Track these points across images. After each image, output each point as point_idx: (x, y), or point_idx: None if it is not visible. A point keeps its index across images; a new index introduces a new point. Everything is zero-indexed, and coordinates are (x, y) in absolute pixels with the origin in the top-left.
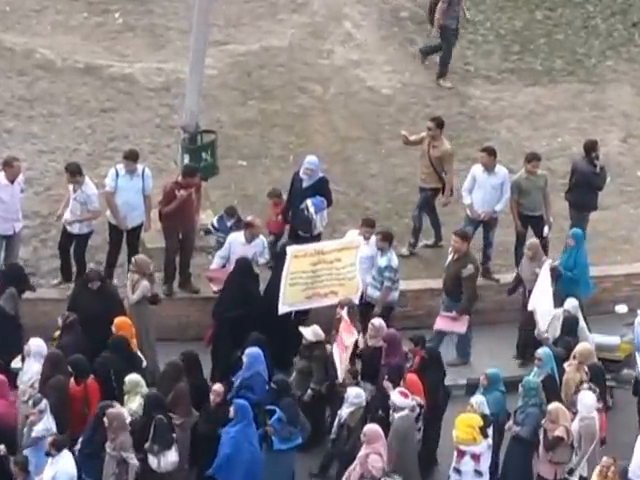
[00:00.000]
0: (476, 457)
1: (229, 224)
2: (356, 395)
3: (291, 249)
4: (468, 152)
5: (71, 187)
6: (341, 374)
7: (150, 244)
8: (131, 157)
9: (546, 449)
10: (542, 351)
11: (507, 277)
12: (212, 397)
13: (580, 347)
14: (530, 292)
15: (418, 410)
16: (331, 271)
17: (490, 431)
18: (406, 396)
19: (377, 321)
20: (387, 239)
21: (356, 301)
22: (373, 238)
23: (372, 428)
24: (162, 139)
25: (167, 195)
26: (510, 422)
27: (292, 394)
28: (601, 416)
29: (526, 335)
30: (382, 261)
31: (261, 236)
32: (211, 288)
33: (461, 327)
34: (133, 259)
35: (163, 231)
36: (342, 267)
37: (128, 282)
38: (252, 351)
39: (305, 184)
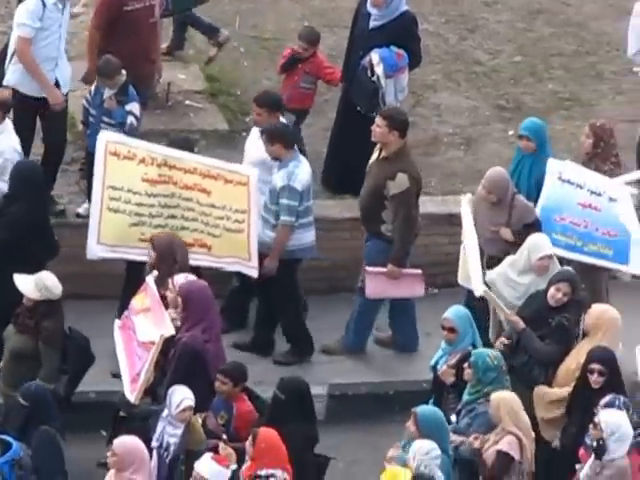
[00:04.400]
0: None
1: (108, 94)
2: None
3: (106, 136)
4: None
5: None
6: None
7: None
8: None
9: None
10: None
11: None
12: None
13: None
14: None
15: None
16: (190, 208)
17: None
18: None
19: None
20: (279, 137)
21: (253, 273)
22: None
23: None
24: None
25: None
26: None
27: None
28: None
29: None
30: (277, 177)
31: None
32: None
33: (413, 289)
34: None
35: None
36: (211, 205)
37: None
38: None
39: (374, 22)
